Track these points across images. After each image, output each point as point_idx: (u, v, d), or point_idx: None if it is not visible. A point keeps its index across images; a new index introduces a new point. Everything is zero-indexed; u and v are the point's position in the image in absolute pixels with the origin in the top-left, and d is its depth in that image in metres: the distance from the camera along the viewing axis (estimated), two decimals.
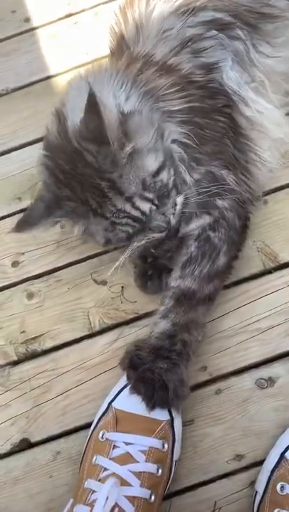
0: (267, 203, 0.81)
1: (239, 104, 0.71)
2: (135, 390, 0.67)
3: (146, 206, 0.63)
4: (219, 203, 0.70)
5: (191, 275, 0.69)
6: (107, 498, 0.59)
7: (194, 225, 0.70)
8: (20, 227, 0.64)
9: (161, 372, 0.66)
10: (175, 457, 0.68)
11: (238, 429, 0.72)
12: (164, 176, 0.64)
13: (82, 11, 0.98)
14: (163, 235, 0.66)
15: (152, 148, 0.63)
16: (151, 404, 0.66)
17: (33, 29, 0.97)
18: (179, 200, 0.66)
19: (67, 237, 0.82)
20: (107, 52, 0.80)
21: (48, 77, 0.93)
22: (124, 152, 0.60)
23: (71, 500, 0.61)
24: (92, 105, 0.57)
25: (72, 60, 0.92)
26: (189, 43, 0.70)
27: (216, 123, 0.69)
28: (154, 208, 0.64)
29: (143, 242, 0.66)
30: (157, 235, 0.66)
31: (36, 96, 0.91)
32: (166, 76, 0.68)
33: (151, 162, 0.63)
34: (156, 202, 0.64)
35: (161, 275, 0.73)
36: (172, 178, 0.65)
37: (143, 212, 0.63)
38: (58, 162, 0.64)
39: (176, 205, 0.66)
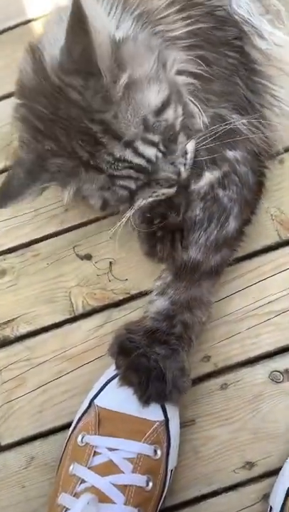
0: (283, 163, 0.68)
1: (252, 36, 0.59)
2: (125, 380, 0.56)
3: (151, 151, 0.51)
4: (230, 154, 0.58)
5: (195, 244, 0.57)
6: None
7: (203, 182, 0.58)
8: (0, 202, 0.52)
9: (158, 359, 0.56)
10: (170, 466, 0.56)
11: (247, 432, 0.61)
12: (169, 114, 0.52)
13: None
14: (172, 190, 0.54)
15: (154, 78, 0.51)
16: (145, 398, 0.55)
17: None
18: (190, 146, 0.55)
19: (46, 204, 0.70)
20: None
21: (28, 21, 0.80)
22: (119, 85, 0.49)
23: None
24: (78, 19, 0.45)
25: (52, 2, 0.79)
26: None
27: (224, 58, 0.57)
28: (160, 154, 0.52)
29: (150, 199, 0.54)
30: (166, 191, 0.54)
31: (13, 43, 0.79)
32: (165, 2, 0.56)
33: (153, 95, 0.51)
34: (162, 148, 0.52)
35: (174, 236, 0.59)
36: (180, 119, 0.53)
37: (148, 160, 0.52)
38: (36, 108, 0.52)
39: (186, 153, 0.54)
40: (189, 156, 0.55)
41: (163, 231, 0.59)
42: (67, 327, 0.66)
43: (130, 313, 0.65)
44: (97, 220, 0.69)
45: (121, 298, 0.66)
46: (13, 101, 0.72)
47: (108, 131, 0.50)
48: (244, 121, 0.58)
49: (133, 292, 0.66)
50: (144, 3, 0.55)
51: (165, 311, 0.58)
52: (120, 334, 0.58)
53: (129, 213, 0.55)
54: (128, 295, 0.66)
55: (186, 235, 0.58)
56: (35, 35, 0.78)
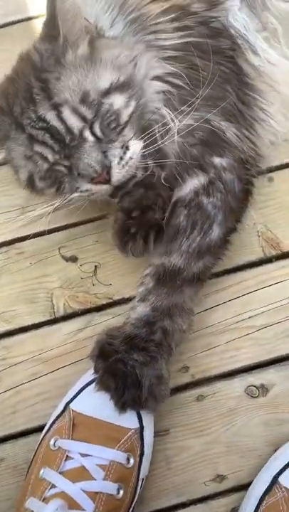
0: (272, 181, 0.69)
1: (245, 50, 0.60)
2: (102, 385, 0.55)
3: (76, 123, 0.51)
4: (216, 160, 0.58)
5: (177, 250, 0.57)
6: None
7: (188, 188, 0.58)
8: None
9: (135, 365, 0.55)
10: (142, 475, 0.56)
11: (220, 444, 0.61)
12: (117, 100, 0.52)
13: None
14: (100, 188, 0.53)
15: (115, 66, 0.52)
16: (121, 404, 0.54)
17: None
18: (135, 146, 0.53)
19: (34, 203, 0.69)
20: None
21: (28, 19, 0.80)
22: (77, 53, 0.51)
23: None
24: None
25: None
26: None
27: (216, 66, 0.58)
28: (91, 138, 0.51)
29: (76, 195, 0.54)
30: (89, 187, 0.53)
31: (13, 39, 0.78)
32: (161, 10, 0.57)
33: (105, 76, 0.52)
34: (98, 131, 0.52)
35: (148, 235, 0.58)
36: (130, 111, 0.53)
37: (69, 129, 0.51)
38: (10, 72, 0.56)
39: (127, 148, 0.53)
40: (130, 154, 0.53)
41: (137, 228, 0.57)
42: (46, 329, 0.65)
43: (111, 319, 0.65)
44: (84, 222, 0.68)
45: (104, 303, 0.66)
46: None
47: (45, 90, 0.51)
48: (233, 128, 0.58)
49: (116, 298, 0.66)
50: (141, 8, 0.56)
51: (145, 317, 0.57)
52: (101, 338, 0.58)
53: (58, 203, 0.55)
54: (111, 300, 0.66)
55: (165, 239, 0.58)
56: (36, 34, 0.78)
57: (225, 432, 0.61)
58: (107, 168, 0.52)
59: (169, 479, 0.60)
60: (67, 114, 0.50)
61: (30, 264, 0.68)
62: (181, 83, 0.55)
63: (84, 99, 0.51)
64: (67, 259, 0.68)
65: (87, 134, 0.51)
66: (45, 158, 0.52)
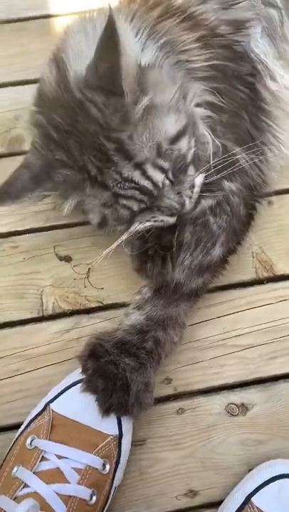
0: (272, 205, 0.71)
1: (264, 75, 0.62)
2: (90, 385, 0.55)
3: (159, 177, 0.52)
4: (226, 184, 0.59)
5: (180, 265, 0.58)
6: None
7: (198, 208, 0.59)
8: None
9: (126, 369, 0.55)
10: (116, 483, 0.55)
11: (196, 460, 0.60)
12: (183, 144, 0.53)
13: None
14: (172, 220, 0.55)
15: (173, 108, 0.52)
16: (107, 406, 0.54)
17: None
18: (198, 180, 0.56)
19: None
20: None
21: (47, 16, 0.80)
22: (139, 107, 0.49)
23: None
24: (110, 37, 0.45)
25: (77, 4, 0.78)
26: None
27: (235, 92, 0.59)
28: (167, 182, 0.53)
29: (148, 224, 0.55)
30: (165, 219, 0.55)
31: (29, 34, 0.79)
32: (189, 30, 0.58)
33: (170, 124, 0.52)
34: (171, 176, 0.53)
35: (166, 256, 0.59)
36: (192, 150, 0.55)
37: (155, 184, 0.52)
38: (54, 118, 0.53)
39: (193, 186, 0.55)
40: (196, 190, 0.56)
41: (155, 250, 0.59)
42: (32, 326, 0.65)
43: (99, 323, 0.64)
44: (82, 223, 0.68)
45: (93, 306, 0.65)
46: (19, 90, 0.74)
47: (121, 150, 0.51)
48: (244, 155, 0.60)
49: (106, 302, 0.65)
50: (172, 33, 0.57)
51: (139, 325, 0.58)
52: (92, 340, 0.57)
53: (127, 232, 0.56)
54: (101, 304, 0.65)
55: (175, 256, 0.59)
56: (52, 32, 0.79)
57: (201, 448, 0.60)
58: (182, 205, 0.55)
59: (140, 490, 0.59)
60: (151, 171, 0.52)
61: (24, 259, 0.67)
62: (218, 102, 0.57)
63: (159, 152, 0.52)
64: (61, 259, 0.67)
65: (166, 181, 0.53)
66: (130, 209, 0.54)
